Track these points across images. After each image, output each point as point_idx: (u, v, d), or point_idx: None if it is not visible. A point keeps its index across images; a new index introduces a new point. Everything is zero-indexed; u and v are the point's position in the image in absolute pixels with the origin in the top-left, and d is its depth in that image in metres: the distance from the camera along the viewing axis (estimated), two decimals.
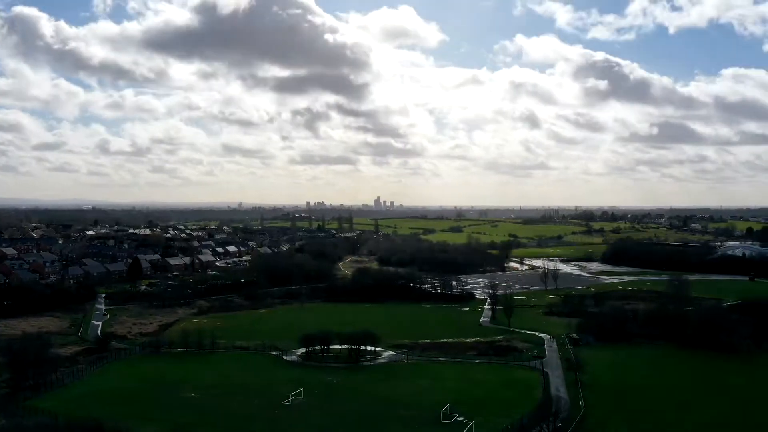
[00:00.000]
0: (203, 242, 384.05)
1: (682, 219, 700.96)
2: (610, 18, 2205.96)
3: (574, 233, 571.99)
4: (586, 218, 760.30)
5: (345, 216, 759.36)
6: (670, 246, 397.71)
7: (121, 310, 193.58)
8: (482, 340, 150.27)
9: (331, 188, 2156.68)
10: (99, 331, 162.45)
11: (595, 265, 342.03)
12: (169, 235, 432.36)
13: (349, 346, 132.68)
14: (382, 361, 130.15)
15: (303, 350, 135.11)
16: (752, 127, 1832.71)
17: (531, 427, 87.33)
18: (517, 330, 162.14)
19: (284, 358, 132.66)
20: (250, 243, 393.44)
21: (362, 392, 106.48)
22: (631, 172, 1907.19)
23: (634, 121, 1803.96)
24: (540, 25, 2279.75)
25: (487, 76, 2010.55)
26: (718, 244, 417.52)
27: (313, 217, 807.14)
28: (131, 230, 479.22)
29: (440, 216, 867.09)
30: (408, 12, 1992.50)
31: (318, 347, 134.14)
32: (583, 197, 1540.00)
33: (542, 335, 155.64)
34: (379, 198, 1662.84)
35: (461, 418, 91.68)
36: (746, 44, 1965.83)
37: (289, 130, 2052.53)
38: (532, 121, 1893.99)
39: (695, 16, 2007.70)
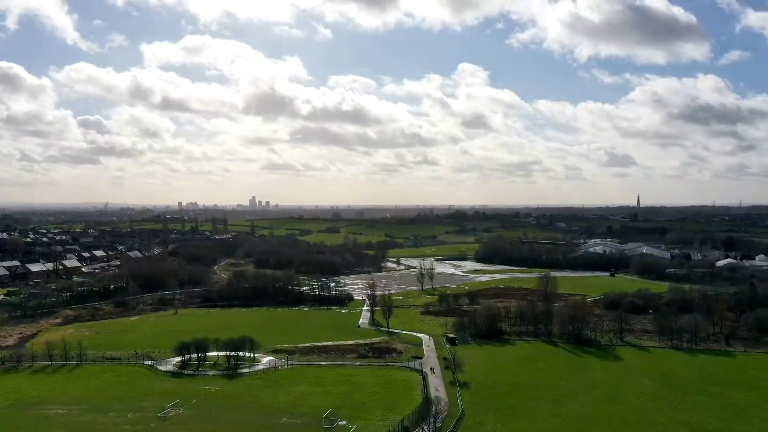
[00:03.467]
0: (67, 247, 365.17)
1: (549, 218, 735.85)
2: None
3: (447, 232, 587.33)
4: (459, 218, 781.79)
5: (219, 217, 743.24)
6: (538, 244, 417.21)
7: None
8: (362, 342, 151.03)
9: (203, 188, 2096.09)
10: None
11: (468, 264, 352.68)
12: (28, 240, 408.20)
13: (227, 353, 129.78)
14: (261, 367, 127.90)
15: (178, 359, 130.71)
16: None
17: (412, 428, 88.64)
18: (395, 331, 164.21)
19: (159, 367, 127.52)
20: (119, 247, 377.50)
21: (242, 401, 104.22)
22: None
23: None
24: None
25: None
26: (582, 241, 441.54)
27: (186, 218, 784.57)
28: None
29: (316, 216, 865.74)
30: None
31: (194, 355, 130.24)
32: (454, 197, 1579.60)
33: (420, 335, 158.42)
34: (254, 198, 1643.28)
35: (343, 423, 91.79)
36: None
37: None
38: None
39: None
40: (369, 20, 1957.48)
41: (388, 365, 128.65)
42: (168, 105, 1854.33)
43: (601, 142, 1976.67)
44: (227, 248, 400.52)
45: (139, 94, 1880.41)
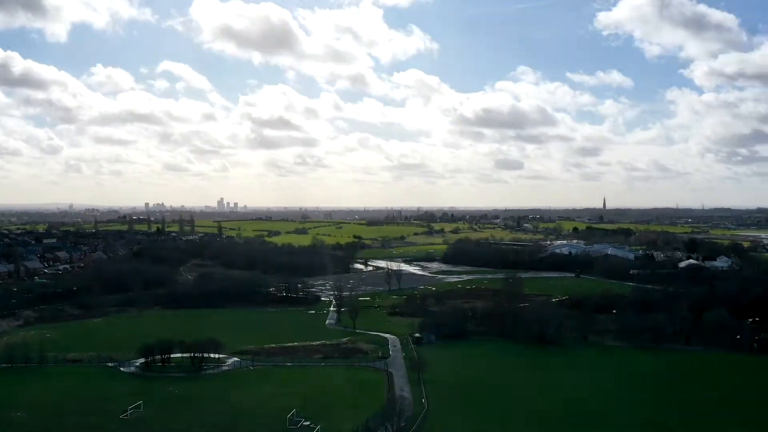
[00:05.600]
0: (29, 247, 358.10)
1: (516, 219, 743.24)
2: None
3: (416, 234, 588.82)
4: (427, 219, 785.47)
5: (186, 218, 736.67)
6: (506, 245, 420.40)
7: None
8: (328, 342, 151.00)
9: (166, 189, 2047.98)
10: None
11: (436, 265, 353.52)
12: None
13: (192, 354, 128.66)
14: (226, 368, 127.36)
15: (142, 360, 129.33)
16: None
17: (376, 428, 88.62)
18: (362, 331, 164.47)
19: (121, 369, 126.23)
20: (83, 248, 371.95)
21: (206, 402, 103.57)
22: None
23: None
24: None
25: None
26: (548, 243, 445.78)
27: (153, 219, 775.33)
28: None
29: (285, 218, 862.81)
30: None
31: (158, 356, 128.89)
32: (424, 198, 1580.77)
33: (386, 336, 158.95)
34: (222, 199, 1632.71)
35: (308, 423, 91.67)
36: None
37: None
38: None
39: None
40: None
41: (353, 365, 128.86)
42: None
43: (464, 147, 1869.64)
44: (194, 249, 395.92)
45: None
